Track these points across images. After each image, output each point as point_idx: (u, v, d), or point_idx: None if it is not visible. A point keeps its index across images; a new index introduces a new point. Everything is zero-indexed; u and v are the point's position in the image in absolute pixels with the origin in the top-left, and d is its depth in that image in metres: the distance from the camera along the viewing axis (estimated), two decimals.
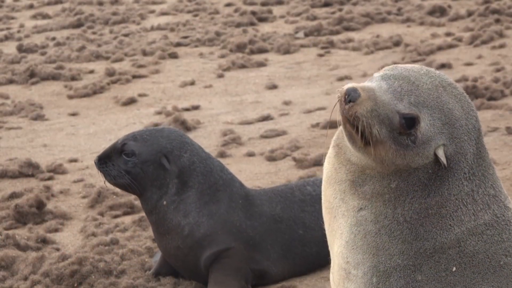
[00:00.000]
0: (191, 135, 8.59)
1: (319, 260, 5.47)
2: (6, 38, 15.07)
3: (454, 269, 3.29)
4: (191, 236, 5.31)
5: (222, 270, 5.29)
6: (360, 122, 3.21)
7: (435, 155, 3.26)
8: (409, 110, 3.23)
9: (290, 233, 5.46)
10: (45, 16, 16.98)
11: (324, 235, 5.57)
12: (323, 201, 3.57)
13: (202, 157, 5.41)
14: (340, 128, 3.40)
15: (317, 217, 5.54)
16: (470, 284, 3.28)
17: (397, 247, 3.29)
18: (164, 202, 5.33)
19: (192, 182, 5.34)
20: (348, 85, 3.30)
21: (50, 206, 6.86)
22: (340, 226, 3.43)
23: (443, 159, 3.25)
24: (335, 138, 3.50)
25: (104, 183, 5.47)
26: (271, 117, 9.45)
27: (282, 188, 5.66)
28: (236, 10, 15.81)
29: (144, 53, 13.11)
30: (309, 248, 5.51)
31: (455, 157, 3.29)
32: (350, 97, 3.24)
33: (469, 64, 11.08)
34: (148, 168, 5.32)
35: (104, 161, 5.38)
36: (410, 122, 3.23)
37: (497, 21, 13.13)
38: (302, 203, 5.58)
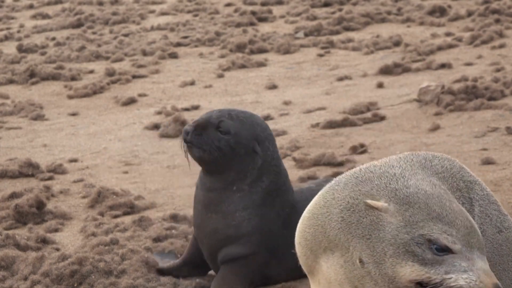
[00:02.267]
0: None
1: None
2: (6, 38, 15.07)
3: None
4: (236, 229, 5.24)
5: (234, 270, 5.26)
6: None
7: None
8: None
9: None
10: (45, 16, 16.98)
11: None
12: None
13: (278, 157, 5.32)
14: None
15: None
16: None
17: None
18: (234, 188, 5.22)
19: (266, 178, 5.23)
20: (492, 282, 3.22)
21: (50, 206, 6.86)
22: None
23: None
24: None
25: (185, 154, 5.25)
26: (271, 117, 9.45)
27: None
28: (236, 10, 15.82)
29: (144, 53, 13.11)
30: None
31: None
32: None
33: (469, 64, 11.08)
34: (240, 150, 5.18)
35: (200, 132, 5.18)
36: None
37: (497, 21, 13.13)
38: None
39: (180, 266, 5.54)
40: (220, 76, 11.61)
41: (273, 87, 10.87)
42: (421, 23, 13.86)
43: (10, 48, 14.05)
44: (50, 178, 7.73)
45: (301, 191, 5.48)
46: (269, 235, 5.28)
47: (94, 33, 15.02)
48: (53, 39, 14.45)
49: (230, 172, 5.22)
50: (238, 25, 14.63)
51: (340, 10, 15.06)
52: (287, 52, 12.69)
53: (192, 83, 11.35)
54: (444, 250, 3.21)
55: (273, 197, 5.28)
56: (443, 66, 10.98)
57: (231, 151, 5.18)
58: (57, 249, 6.00)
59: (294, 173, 7.44)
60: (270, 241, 5.29)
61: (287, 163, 7.79)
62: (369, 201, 3.30)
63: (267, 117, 9.41)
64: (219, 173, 5.24)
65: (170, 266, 5.53)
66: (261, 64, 12.07)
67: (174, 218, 6.42)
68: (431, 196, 3.31)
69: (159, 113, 9.88)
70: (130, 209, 6.82)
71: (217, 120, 5.21)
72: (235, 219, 5.24)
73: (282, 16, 15.33)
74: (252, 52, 12.79)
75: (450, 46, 12.12)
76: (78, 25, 15.72)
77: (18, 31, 15.64)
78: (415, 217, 3.25)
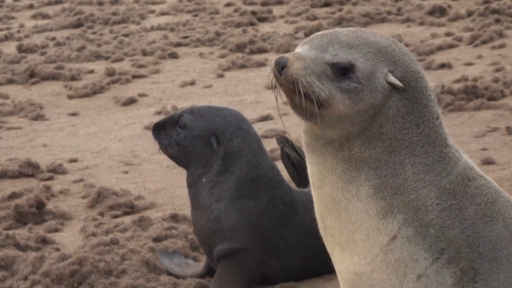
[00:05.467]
0: None
1: (327, 273, 5.44)
2: (6, 38, 15.08)
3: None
4: (216, 222, 5.28)
5: (230, 268, 5.26)
6: (300, 82, 3.23)
7: (390, 84, 3.30)
8: (336, 58, 3.26)
9: (318, 250, 5.20)
10: (45, 16, 16.98)
11: None
12: (320, 206, 3.46)
13: (253, 148, 5.34)
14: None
15: None
16: None
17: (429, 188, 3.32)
18: (204, 180, 5.31)
19: (234, 168, 5.28)
20: (275, 58, 3.33)
21: (50, 206, 6.86)
22: (358, 207, 3.35)
23: (396, 82, 3.29)
24: (304, 142, 3.51)
25: (158, 150, 5.50)
26: (271, 117, 9.45)
27: None
28: (236, 10, 15.82)
29: (144, 53, 13.11)
30: (326, 266, 5.44)
31: (408, 77, 3.35)
32: (281, 64, 3.25)
33: (469, 64, 11.08)
34: (197, 144, 5.30)
35: (159, 129, 5.40)
36: (342, 69, 3.25)
37: (497, 21, 13.13)
38: None
39: (204, 274, 5.56)
40: (220, 76, 11.62)
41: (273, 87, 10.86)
42: (421, 23, 13.87)
43: (10, 48, 14.05)
44: (50, 178, 7.73)
45: (305, 192, 5.46)
46: (258, 231, 5.27)
47: (94, 33, 15.02)
48: (53, 39, 14.45)
49: (197, 165, 5.33)
50: (238, 25, 14.64)
51: (340, 10, 15.06)
52: (287, 52, 12.68)
53: (192, 83, 11.35)
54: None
55: (251, 190, 5.28)
56: (443, 66, 10.98)
57: (190, 145, 5.32)
58: (57, 249, 6.00)
59: None
60: (262, 238, 5.28)
61: None
62: None
63: (267, 117, 9.42)
64: (188, 167, 5.39)
65: (194, 275, 5.53)
66: (261, 64, 12.07)
67: (174, 218, 6.42)
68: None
69: (159, 113, 9.88)
70: (130, 209, 6.82)
71: (178, 115, 5.39)
72: (212, 212, 5.30)
73: (282, 16, 15.33)
74: (252, 52, 12.79)
75: (450, 46, 12.12)
76: (78, 25, 15.72)
77: (18, 31, 15.64)
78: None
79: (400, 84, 3.29)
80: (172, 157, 5.42)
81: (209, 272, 5.52)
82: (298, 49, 3.35)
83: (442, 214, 3.32)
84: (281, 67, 3.25)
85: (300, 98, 3.26)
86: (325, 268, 5.38)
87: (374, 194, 3.32)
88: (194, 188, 5.36)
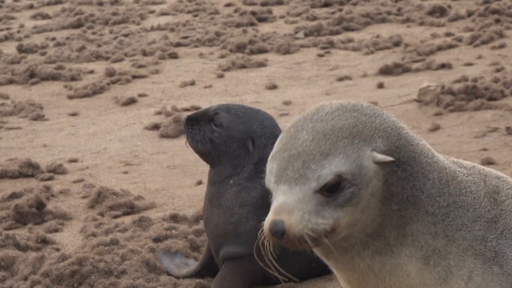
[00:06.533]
0: None
1: (327, 273, 5.44)
2: (6, 38, 15.08)
3: None
4: (235, 226, 5.24)
5: (234, 269, 5.26)
6: (307, 236, 2.91)
7: (380, 164, 3.00)
8: (321, 181, 2.93)
9: None
10: (45, 16, 16.98)
11: None
12: None
13: None
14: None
15: None
16: None
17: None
18: (231, 181, 5.23)
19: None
20: (266, 225, 2.97)
21: (50, 206, 6.85)
22: (413, 284, 3.14)
23: (385, 159, 3.00)
24: (322, 255, 3.20)
25: (185, 143, 5.37)
26: None
27: None
28: (236, 10, 15.82)
29: (144, 53, 13.11)
30: (327, 266, 5.44)
31: (391, 140, 3.05)
32: (279, 232, 2.93)
33: (469, 64, 11.08)
34: (232, 144, 5.21)
35: (192, 123, 5.27)
36: (332, 187, 2.95)
37: (497, 21, 13.13)
38: None
39: (199, 272, 5.53)
40: (220, 76, 11.62)
41: (273, 87, 10.87)
42: (421, 23, 13.87)
43: (10, 48, 14.05)
44: (50, 178, 7.73)
45: None
46: None
47: (94, 33, 15.02)
48: (53, 39, 14.45)
49: (227, 166, 5.25)
50: (238, 25, 14.64)
51: (340, 10, 15.06)
52: (287, 52, 12.69)
53: (192, 83, 11.35)
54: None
55: None
56: (443, 66, 10.98)
57: (224, 144, 5.22)
58: (57, 249, 6.00)
59: None
60: None
61: None
62: None
63: None
64: (216, 165, 5.28)
65: (188, 274, 5.52)
66: (261, 64, 12.07)
67: (174, 218, 6.42)
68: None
69: (159, 113, 9.88)
70: (130, 209, 6.82)
71: (213, 112, 5.28)
72: (233, 215, 5.24)
73: (282, 16, 15.34)
74: (252, 52, 12.79)
75: (450, 46, 12.12)
76: (78, 25, 15.73)
77: (18, 31, 15.65)
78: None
79: (389, 158, 3.00)
80: (202, 152, 5.29)
81: (203, 270, 5.51)
82: (279, 195, 2.98)
83: (499, 241, 3.19)
84: (280, 234, 2.92)
85: (309, 244, 2.95)
86: (325, 268, 5.39)
87: (425, 265, 3.12)
88: (218, 186, 5.28)
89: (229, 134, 5.22)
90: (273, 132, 5.27)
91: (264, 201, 5.24)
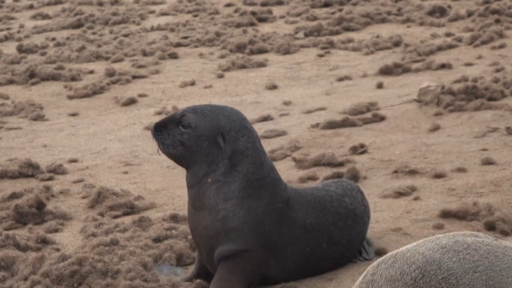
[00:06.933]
0: None
1: (327, 273, 5.43)
2: (6, 38, 15.08)
3: None
4: (223, 223, 5.23)
5: (231, 269, 5.25)
6: None
7: None
8: None
9: (314, 245, 5.36)
10: (45, 17, 16.98)
11: (342, 253, 5.54)
12: None
13: (257, 148, 5.30)
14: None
15: (344, 233, 5.46)
16: None
17: None
18: (209, 180, 5.24)
19: (241, 168, 5.23)
20: None
21: (50, 206, 6.85)
22: None
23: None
24: None
25: (158, 151, 5.41)
26: (271, 117, 9.44)
27: (323, 194, 5.53)
28: (236, 10, 15.83)
29: (144, 54, 13.11)
30: (325, 262, 5.44)
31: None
32: None
33: (469, 64, 11.08)
34: (203, 143, 5.24)
35: (160, 129, 5.31)
36: None
37: (497, 21, 13.13)
38: (337, 215, 5.48)
39: (194, 278, 5.52)
40: (220, 76, 11.62)
41: (273, 87, 10.87)
42: (421, 23, 13.87)
43: (10, 48, 14.05)
44: (50, 179, 7.73)
45: (296, 189, 5.50)
46: (262, 231, 5.25)
47: (94, 33, 15.02)
48: (53, 39, 14.45)
49: (201, 165, 5.27)
50: (238, 25, 14.64)
51: (340, 10, 15.07)
52: (287, 52, 12.69)
53: (192, 83, 11.35)
54: None
55: (257, 189, 5.26)
56: (443, 66, 10.98)
57: (195, 144, 5.25)
58: (57, 250, 6.00)
59: (294, 174, 7.44)
60: (264, 238, 5.27)
61: (287, 164, 7.79)
62: None
63: (267, 117, 9.42)
64: (191, 167, 5.30)
65: (183, 280, 5.50)
66: (261, 64, 12.07)
67: (174, 218, 6.42)
68: None
69: (159, 113, 9.88)
70: (130, 209, 6.82)
71: (180, 115, 5.31)
72: (219, 212, 5.24)
73: (282, 17, 15.34)
74: (252, 52, 12.79)
75: (450, 46, 12.12)
76: (78, 25, 15.73)
77: (18, 31, 15.65)
78: None
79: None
80: (175, 157, 5.34)
81: (199, 276, 5.50)
82: None
83: None
84: None
85: None
86: (323, 263, 5.40)
87: None
88: (197, 188, 5.30)
89: (198, 134, 5.24)
90: (242, 124, 5.29)
91: (246, 192, 5.24)
